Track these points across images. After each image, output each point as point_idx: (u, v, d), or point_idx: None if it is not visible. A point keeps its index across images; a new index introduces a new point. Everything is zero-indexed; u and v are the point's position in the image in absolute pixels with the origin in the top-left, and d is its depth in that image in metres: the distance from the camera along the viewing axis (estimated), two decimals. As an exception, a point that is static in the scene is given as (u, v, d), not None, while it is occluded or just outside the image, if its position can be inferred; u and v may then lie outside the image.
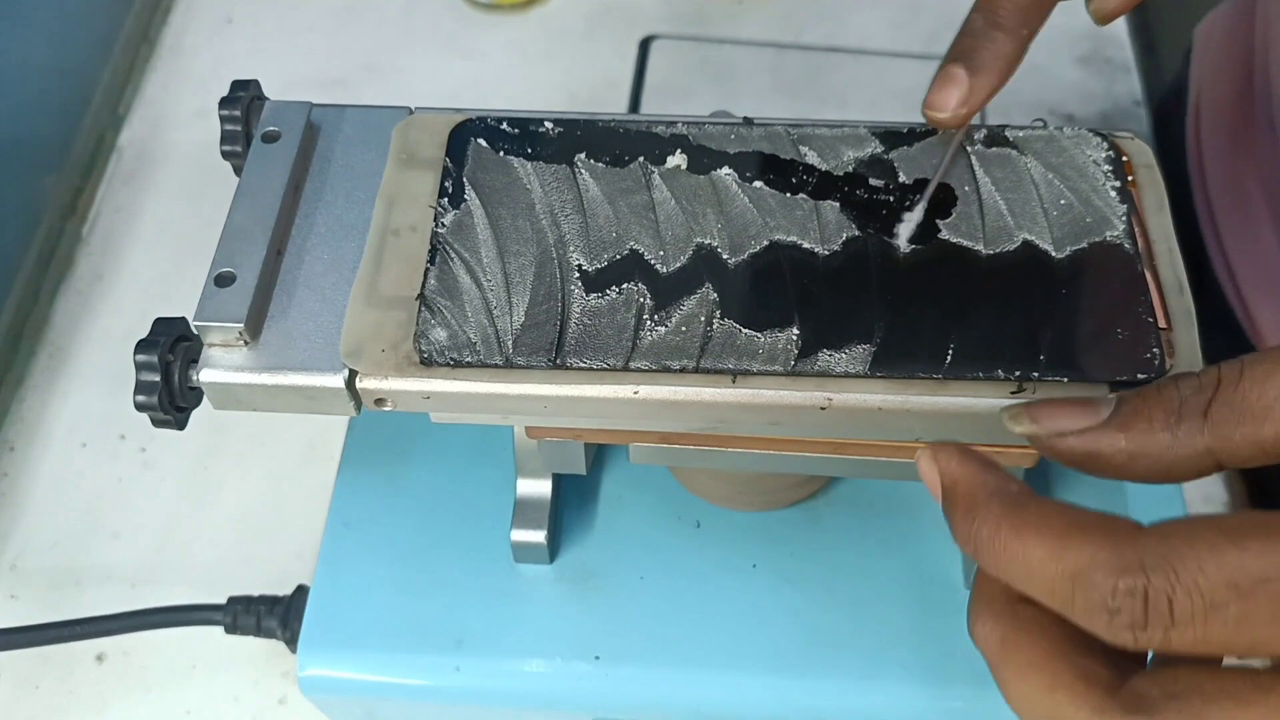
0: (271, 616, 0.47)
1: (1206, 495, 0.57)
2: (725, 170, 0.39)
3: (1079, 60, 0.73)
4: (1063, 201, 0.38)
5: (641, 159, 0.39)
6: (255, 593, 0.48)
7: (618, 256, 0.37)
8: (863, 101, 0.71)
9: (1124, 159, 0.39)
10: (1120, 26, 0.75)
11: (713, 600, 0.44)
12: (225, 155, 0.41)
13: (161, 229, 0.67)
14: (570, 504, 0.45)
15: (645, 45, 0.74)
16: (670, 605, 0.43)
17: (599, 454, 0.46)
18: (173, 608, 0.48)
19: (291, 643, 0.47)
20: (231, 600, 0.48)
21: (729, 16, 0.75)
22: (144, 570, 0.55)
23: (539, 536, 0.43)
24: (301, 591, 0.47)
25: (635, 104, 0.71)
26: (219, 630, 0.48)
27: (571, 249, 0.37)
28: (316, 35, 0.75)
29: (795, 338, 0.35)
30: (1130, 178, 0.39)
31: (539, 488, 0.43)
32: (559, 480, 0.44)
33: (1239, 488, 0.58)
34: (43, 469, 0.58)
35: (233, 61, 0.74)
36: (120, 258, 0.65)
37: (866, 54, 0.73)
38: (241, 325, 0.35)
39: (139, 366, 0.35)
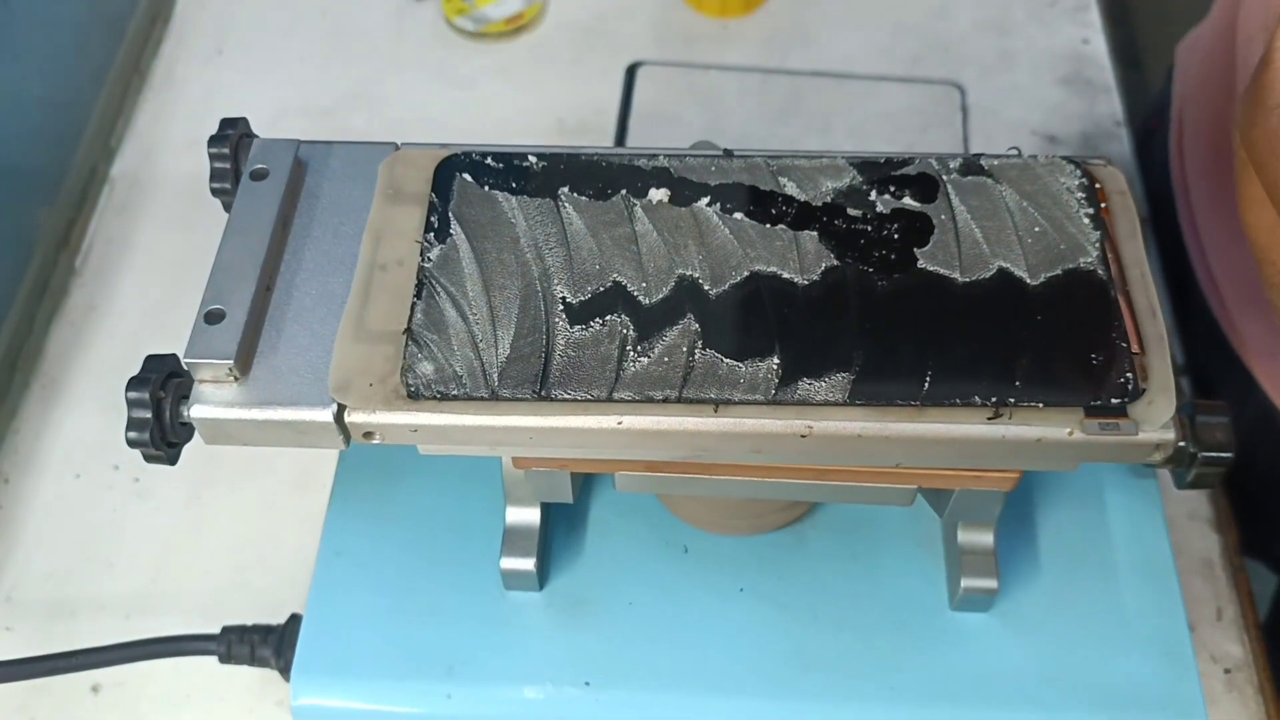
0: (265, 645, 0.48)
1: (1191, 511, 0.58)
2: (706, 202, 0.40)
3: (1061, 81, 0.74)
4: (1037, 229, 0.39)
5: (624, 192, 0.40)
6: (249, 621, 0.49)
7: (601, 288, 0.38)
8: (847, 125, 0.72)
9: (1097, 186, 0.40)
10: (1101, 47, 0.76)
11: (701, 624, 0.44)
12: (215, 193, 0.42)
13: (154, 259, 0.67)
14: (559, 531, 0.46)
15: (632, 71, 0.75)
16: (659, 630, 0.44)
17: (587, 481, 0.47)
18: (167, 638, 0.49)
19: (285, 671, 0.47)
20: (225, 630, 0.48)
21: (714, 42, 0.76)
22: (138, 600, 0.56)
23: (528, 564, 0.43)
24: (295, 620, 0.48)
25: (622, 130, 0.72)
26: (213, 660, 0.48)
27: (556, 282, 0.38)
28: (306, 65, 0.76)
29: (776, 367, 0.36)
30: (1103, 204, 0.40)
31: (528, 516, 0.44)
32: (547, 508, 0.44)
33: (1223, 502, 0.58)
34: (37, 500, 0.59)
35: (223, 92, 0.74)
36: (113, 288, 0.66)
37: (851, 78, 0.74)
38: (231, 362, 0.36)
39: (131, 404, 0.35)
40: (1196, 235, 0.63)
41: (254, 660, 0.48)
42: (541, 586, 0.45)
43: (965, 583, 0.43)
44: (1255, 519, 0.62)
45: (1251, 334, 0.60)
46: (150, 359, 0.36)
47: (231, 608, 0.53)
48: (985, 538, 0.43)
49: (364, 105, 0.74)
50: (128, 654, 0.48)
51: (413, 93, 0.74)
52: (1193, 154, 0.64)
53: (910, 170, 0.40)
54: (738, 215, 0.39)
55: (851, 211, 0.39)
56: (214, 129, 0.42)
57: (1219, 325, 0.62)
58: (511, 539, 0.44)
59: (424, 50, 0.76)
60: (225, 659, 0.48)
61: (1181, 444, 0.36)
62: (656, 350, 0.36)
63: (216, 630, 0.48)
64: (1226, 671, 0.53)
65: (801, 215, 0.39)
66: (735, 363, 0.36)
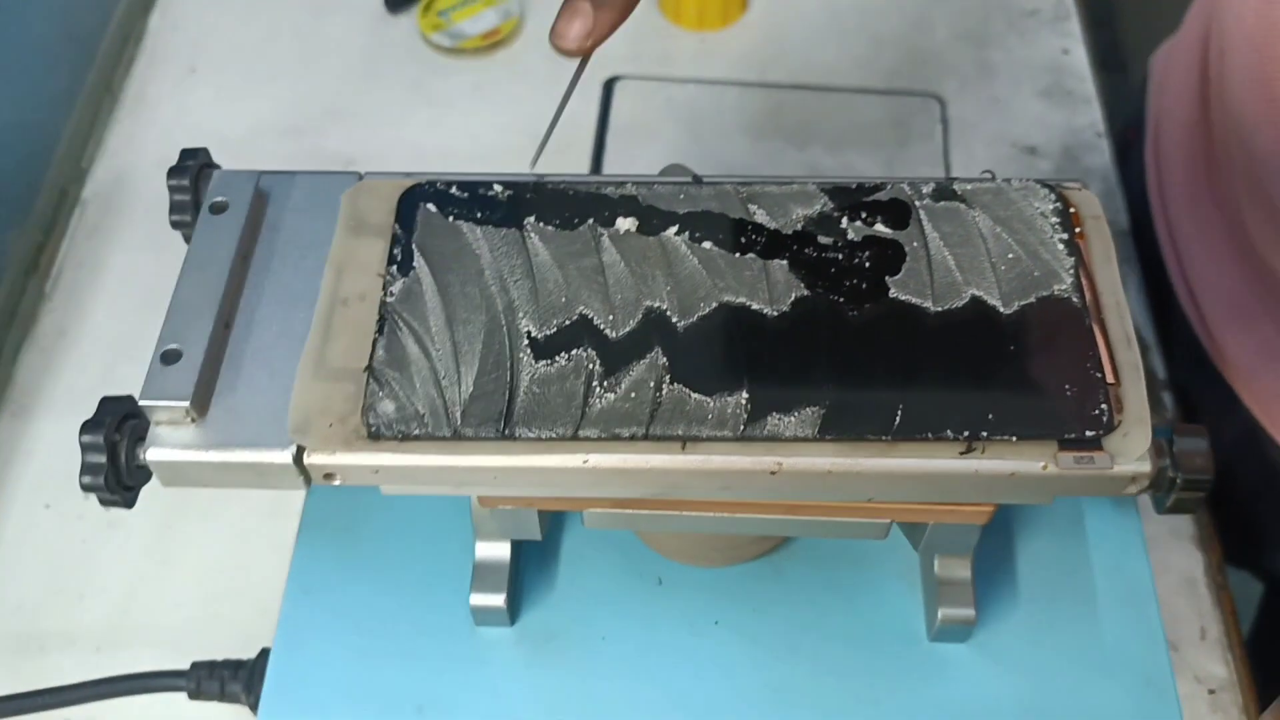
0: (235, 681, 0.47)
1: (1174, 529, 0.57)
2: (674, 231, 0.39)
3: (1041, 93, 0.74)
4: (1010, 255, 0.38)
5: (591, 221, 0.39)
6: (220, 654, 0.48)
7: (567, 322, 0.37)
8: (826, 138, 0.71)
9: (1072, 210, 0.40)
10: (1081, 57, 0.76)
11: (676, 658, 0.43)
12: (175, 225, 0.41)
13: (126, 283, 0.66)
14: (530, 565, 0.45)
15: (609, 86, 0.74)
16: (633, 665, 0.43)
17: (557, 514, 0.46)
18: (136, 675, 0.48)
19: (255, 707, 0.46)
20: (195, 666, 0.48)
21: (692, 56, 0.76)
22: (109, 634, 0.55)
23: (498, 600, 0.43)
24: (265, 655, 0.47)
25: (600, 145, 0.71)
26: (183, 696, 0.47)
27: (520, 315, 0.37)
28: (280, 83, 0.75)
29: (745, 401, 0.35)
30: (1078, 229, 0.39)
31: (497, 551, 0.43)
32: (518, 543, 0.43)
33: (1206, 520, 0.58)
34: (6, 531, 0.58)
35: (196, 111, 0.73)
36: (84, 313, 0.65)
37: (830, 90, 0.73)
38: (188, 403, 0.35)
39: (85, 447, 0.35)
40: (1175, 251, 0.63)
41: (224, 696, 0.47)
42: (513, 622, 0.44)
43: (943, 613, 0.42)
44: (1240, 534, 0.62)
45: (1232, 349, 0.59)
46: (105, 401, 0.35)
47: (204, 639, 0.52)
48: (962, 568, 0.42)
49: (339, 122, 0.73)
50: (96, 692, 0.48)
51: (388, 109, 0.74)
52: (1169, 168, 0.64)
53: (882, 196, 0.40)
54: (706, 244, 0.39)
55: (822, 239, 0.39)
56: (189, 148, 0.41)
57: (1197, 336, 0.61)
58: (481, 574, 0.43)
59: (400, 66, 0.76)
60: (195, 695, 0.47)
61: (1161, 469, 0.36)
62: (623, 385, 0.36)
63: (186, 665, 0.48)
64: (1211, 692, 0.52)
65: (771, 244, 0.39)
66: (704, 397, 0.35)
